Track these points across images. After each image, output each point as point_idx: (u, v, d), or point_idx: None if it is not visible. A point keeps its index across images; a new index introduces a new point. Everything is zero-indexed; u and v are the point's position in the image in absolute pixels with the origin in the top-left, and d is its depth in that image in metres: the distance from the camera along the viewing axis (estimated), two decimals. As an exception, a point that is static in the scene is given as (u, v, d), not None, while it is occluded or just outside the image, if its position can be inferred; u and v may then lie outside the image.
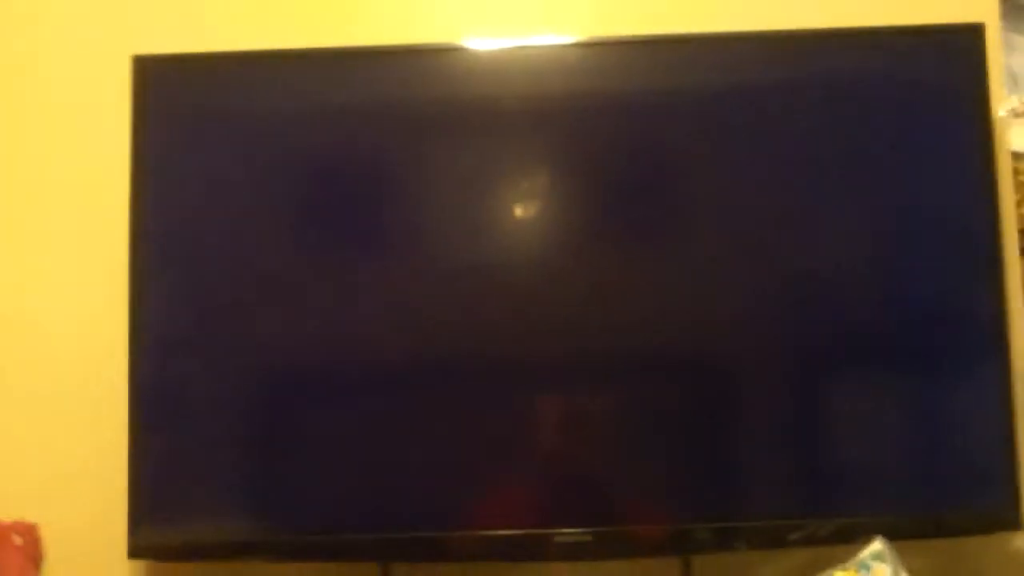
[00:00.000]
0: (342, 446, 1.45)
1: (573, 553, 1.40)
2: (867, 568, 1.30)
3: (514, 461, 1.45)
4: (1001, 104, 1.58)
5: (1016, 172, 1.58)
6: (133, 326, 1.47)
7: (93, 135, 1.60)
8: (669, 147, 1.51)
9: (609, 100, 1.51)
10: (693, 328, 1.47)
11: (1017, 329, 1.53)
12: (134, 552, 1.44)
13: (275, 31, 1.61)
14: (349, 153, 1.50)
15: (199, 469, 1.45)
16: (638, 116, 1.50)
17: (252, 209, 1.49)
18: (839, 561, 1.31)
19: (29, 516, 1.53)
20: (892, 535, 1.33)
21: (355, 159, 1.51)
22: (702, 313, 1.47)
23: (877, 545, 1.32)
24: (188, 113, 1.51)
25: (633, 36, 1.54)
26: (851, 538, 1.36)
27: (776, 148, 1.50)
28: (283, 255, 1.49)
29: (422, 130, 1.50)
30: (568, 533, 1.40)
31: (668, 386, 1.47)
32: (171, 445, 1.45)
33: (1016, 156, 1.58)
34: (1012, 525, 1.44)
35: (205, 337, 1.47)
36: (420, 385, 1.46)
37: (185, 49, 1.53)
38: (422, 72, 1.52)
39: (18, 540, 1.49)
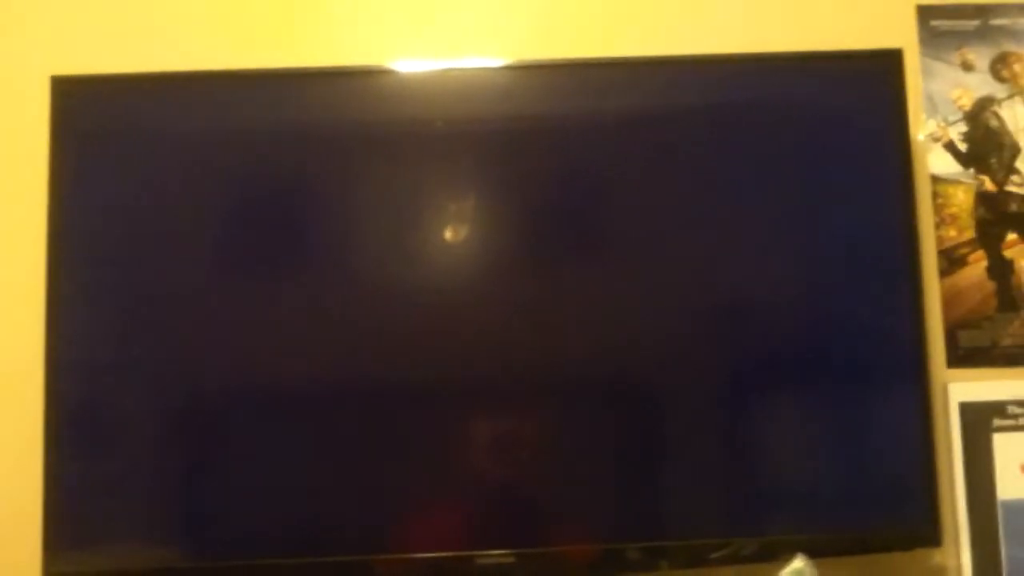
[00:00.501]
0: (264, 470, 1.44)
1: (497, 575, 1.40)
2: (787, 585, 1.32)
3: (438, 484, 1.45)
4: (920, 128, 1.61)
5: (935, 195, 1.61)
6: (50, 346, 1.45)
7: (10, 155, 1.58)
8: (599, 170, 1.52)
9: (539, 123, 1.51)
10: (618, 350, 1.48)
11: (936, 349, 1.57)
12: (49, 577, 1.43)
13: (199, 52, 1.60)
14: (275, 175, 1.50)
15: (116, 492, 1.43)
16: (568, 139, 1.51)
17: (174, 231, 1.48)
18: (761, 580, 1.34)
19: (-62, 541, 1.50)
20: (814, 552, 1.35)
21: (282, 181, 1.50)
22: (627, 335, 1.48)
23: (798, 563, 1.34)
24: (108, 134, 1.49)
25: (563, 59, 1.56)
26: (773, 556, 1.38)
27: (700, 172, 1.51)
28: (206, 278, 1.48)
29: (350, 152, 1.50)
30: (491, 555, 1.41)
31: (591, 407, 1.48)
32: (88, 467, 1.43)
33: (935, 179, 1.61)
34: (931, 541, 1.47)
35: (124, 358, 1.45)
36: (343, 408, 1.46)
37: (105, 70, 1.52)
38: (351, 94, 1.52)
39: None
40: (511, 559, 1.40)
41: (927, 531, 1.46)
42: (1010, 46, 1.63)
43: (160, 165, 1.49)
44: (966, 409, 1.56)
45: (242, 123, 1.50)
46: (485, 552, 1.41)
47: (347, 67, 1.54)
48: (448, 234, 1.50)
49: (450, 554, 1.42)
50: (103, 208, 1.48)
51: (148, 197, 1.49)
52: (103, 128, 1.50)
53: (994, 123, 1.62)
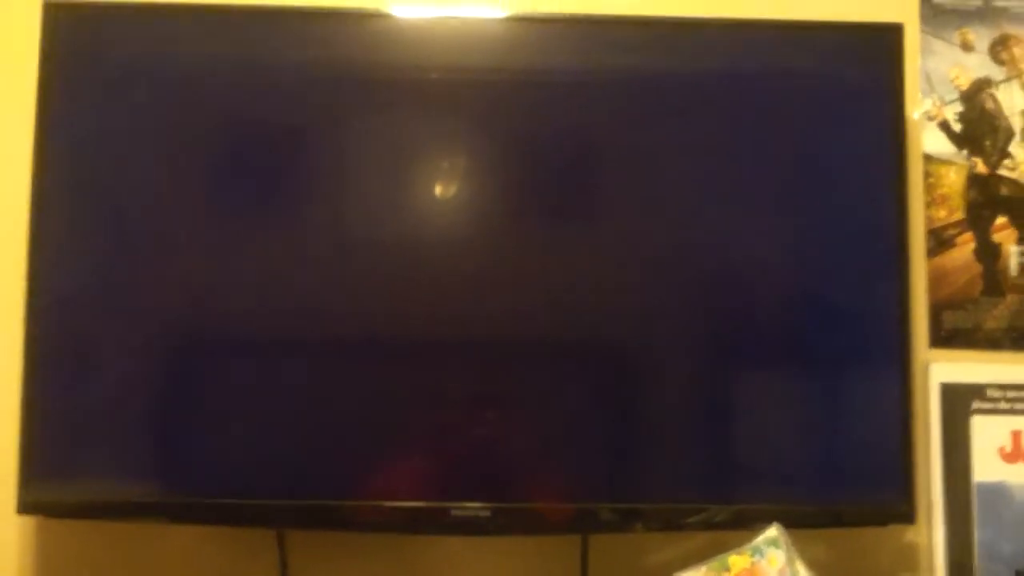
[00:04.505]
0: (242, 411, 1.43)
1: (471, 528, 1.40)
2: (761, 553, 1.31)
3: (417, 434, 1.44)
4: (916, 106, 1.61)
5: (927, 174, 1.61)
6: (32, 273, 1.42)
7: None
8: (593, 130, 1.50)
9: (536, 79, 1.50)
10: (603, 312, 1.47)
11: (919, 329, 1.57)
12: (24, 508, 1.40)
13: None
14: (265, 115, 1.47)
15: (96, 425, 1.41)
16: (564, 98, 1.50)
17: (162, 166, 1.46)
18: (734, 547, 1.32)
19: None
20: (788, 523, 1.34)
21: (271, 121, 1.47)
22: (612, 297, 1.47)
23: (772, 532, 1.33)
24: (100, 65, 1.46)
25: (563, 14, 1.54)
26: (748, 525, 1.37)
27: (690, 138, 1.50)
28: (192, 215, 1.46)
29: (341, 96, 1.48)
30: (466, 507, 1.40)
31: (574, 367, 1.47)
32: (67, 398, 1.41)
33: (928, 158, 1.61)
34: (905, 518, 1.46)
35: (108, 292, 1.44)
36: (324, 354, 1.45)
37: (100, -2, 1.50)
38: (344, 36, 1.49)
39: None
40: (486, 513, 1.39)
41: (902, 508, 1.46)
42: (1011, 28, 1.63)
43: (149, 97, 1.46)
44: (946, 390, 1.56)
45: (233, 59, 1.48)
46: (460, 504, 1.40)
47: (342, 8, 1.51)
48: (437, 187, 1.48)
49: (425, 504, 1.41)
50: (91, 140, 1.45)
51: (136, 130, 1.46)
52: (96, 59, 1.47)
53: (990, 105, 1.62)
